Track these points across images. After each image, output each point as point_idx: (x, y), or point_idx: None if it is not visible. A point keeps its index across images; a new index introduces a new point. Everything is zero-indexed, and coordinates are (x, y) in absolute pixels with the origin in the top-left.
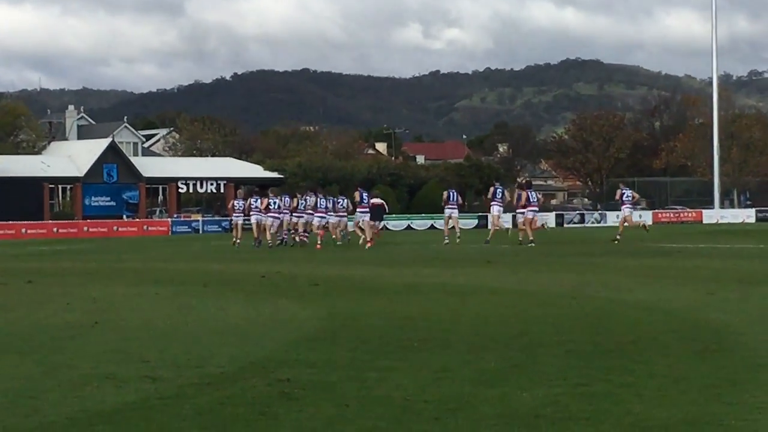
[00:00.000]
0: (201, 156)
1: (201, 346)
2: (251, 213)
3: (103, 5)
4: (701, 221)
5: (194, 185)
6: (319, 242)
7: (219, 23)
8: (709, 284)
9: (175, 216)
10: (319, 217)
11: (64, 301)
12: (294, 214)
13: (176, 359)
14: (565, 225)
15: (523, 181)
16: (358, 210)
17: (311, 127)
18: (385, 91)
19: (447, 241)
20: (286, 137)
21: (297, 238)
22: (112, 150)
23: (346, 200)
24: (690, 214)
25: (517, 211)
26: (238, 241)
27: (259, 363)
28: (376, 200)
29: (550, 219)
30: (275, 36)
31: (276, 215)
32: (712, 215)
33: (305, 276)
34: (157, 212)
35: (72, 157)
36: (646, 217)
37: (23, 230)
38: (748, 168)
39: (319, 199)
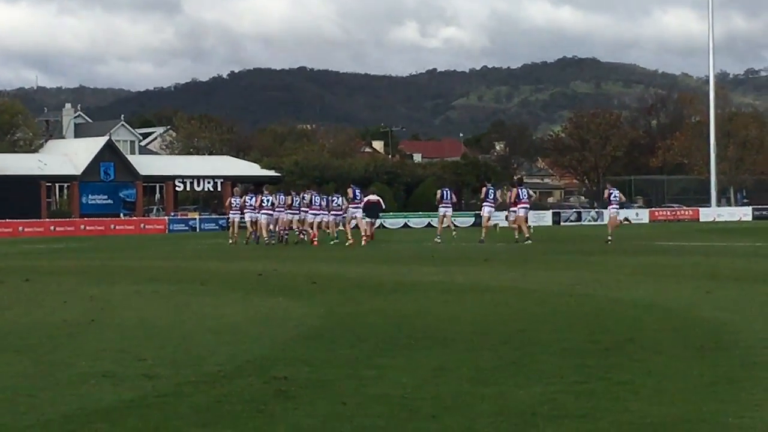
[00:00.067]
0: (198, 154)
1: (198, 344)
2: (245, 211)
3: (100, 3)
4: (698, 219)
5: (191, 183)
6: (312, 238)
7: (216, 21)
8: (707, 282)
9: (172, 214)
10: (313, 214)
11: (61, 299)
12: (288, 211)
13: (173, 357)
14: (562, 223)
15: (515, 179)
16: (350, 207)
17: (308, 126)
18: (382, 89)
19: (439, 240)
20: (283, 135)
21: (301, 235)
22: (109, 148)
23: (341, 198)
24: (687, 213)
25: (510, 209)
26: (231, 240)
27: (256, 361)
28: (372, 197)
29: (546, 217)
30: (272, 34)
31: (269, 212)
32: (709, 213)
33: (303, 274)
34: (154, 210)
35: (69, 155)
36: (643, 216)
37: (20, 228)
38: (745, 166)
39: (313, 197)
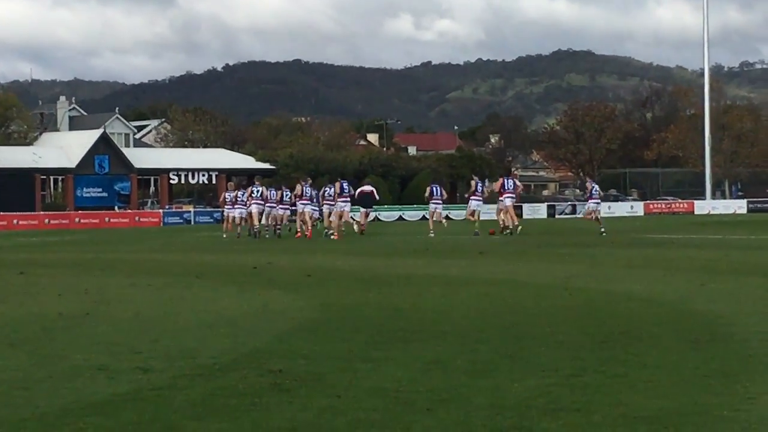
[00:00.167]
0: (193, 147)
1: (193, 338)
2: (236, 206)
3: None
4: (693, 212)
5: (186, 176)
6: (304, 231)
7: (210, 14)
8: (701, 275)
9: (167, 207)
10: (303, 204)
11: (55, 292)
12: (280, 206)
13: (168, 350)
14: (557, 216)
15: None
16: (339, 200)
17: (303, 118)
18: (376, 82)
19: (432, 234)
20: (278, 128)
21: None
22: (104, 141)
23: (333, 189)
24: (681, 205)
25: (498, 198)
26: (226, 234)
27: (251, 354)
28: (366, 188)
29: (541, 210)
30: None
31: (259, 202)
32: (704, 206)
33: (297, 267)
34: (149, 203)
35: (63, 148)
36: (638, 208)
37: (15, 221)
38: (740, 159)
39: (303, 187)
